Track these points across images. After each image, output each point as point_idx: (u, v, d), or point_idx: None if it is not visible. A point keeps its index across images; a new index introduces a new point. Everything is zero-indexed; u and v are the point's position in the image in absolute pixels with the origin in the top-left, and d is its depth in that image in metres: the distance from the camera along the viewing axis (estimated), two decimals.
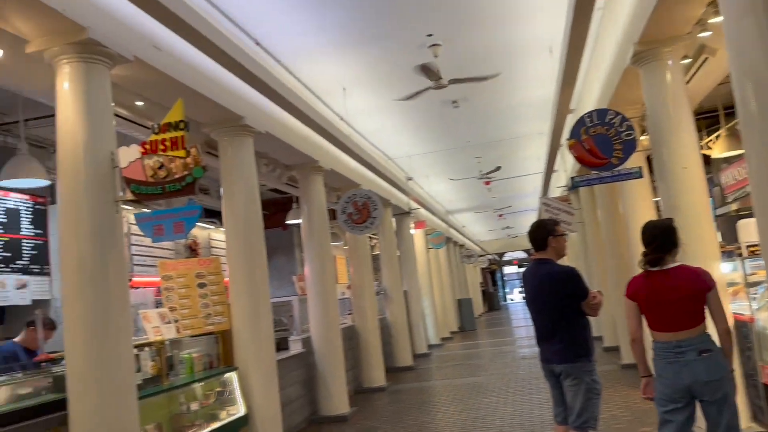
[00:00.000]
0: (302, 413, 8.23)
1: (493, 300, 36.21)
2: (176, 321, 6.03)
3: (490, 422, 7.18)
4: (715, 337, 3.52)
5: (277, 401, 6.53)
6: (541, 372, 4.43)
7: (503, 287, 46.36)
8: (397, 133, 11.37)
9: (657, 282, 3.57)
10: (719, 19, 5.45)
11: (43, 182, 6.25)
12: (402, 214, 14.82)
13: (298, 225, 10.22)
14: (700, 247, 5.25)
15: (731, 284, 5.80)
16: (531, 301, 4.40)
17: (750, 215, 6.31)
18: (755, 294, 5.36)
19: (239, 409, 6.17)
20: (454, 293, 22.83)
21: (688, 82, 6.48)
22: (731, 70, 3.32)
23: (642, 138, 6.99)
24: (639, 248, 3.72)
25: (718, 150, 8.57)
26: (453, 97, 9.45)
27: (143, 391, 4.92)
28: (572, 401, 4.10)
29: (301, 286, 9.48)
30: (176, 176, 4.45)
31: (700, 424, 3.61)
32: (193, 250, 10.28)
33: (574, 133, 6.17)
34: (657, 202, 7.40)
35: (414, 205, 15.29)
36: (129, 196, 4.53)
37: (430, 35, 7.27)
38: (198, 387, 5.92)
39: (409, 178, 14.78)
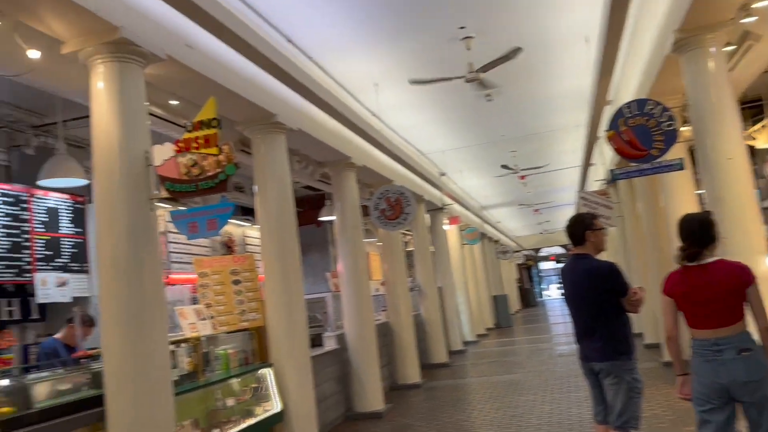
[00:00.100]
0: (337, 410, 8.24)
1: (529, 296, 35.81)
2: (212, 317, 6.08)
3: (527, 421, 7.07)
4: (756, 336, 3.38)
5: (311, 397, 6.53)
6: (579, 369, 4.32)
7: (540, 283, 45.79)
8: (430, 128, 11.28)
9: (694, 277, 3.46)
10: (764, 3, 5.25)
11: (81, 181, 6.39)
12: (435, 209, 14.72)
13: (331, 222, 10.22)
14: (745, 240, 5.08)
15: None
16: (569, 297, 4.29)
17: None
18: None
19: (274, 405, 6.19)
20: (489, 289, 22.62)
21: (731, 70, 6.25)
22: None
23: (683, 129, 6.78)
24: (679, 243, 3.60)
25: (763, 140, 8.27)
26: (486, 90, 9.30)
27: (180, 387, 4.96)
28: (613, 400, 3.99)
29: (335, 282, 9.49)
30: (209, 174, 4.47)
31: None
32: (228, 248, 10.37)
33: (613, 124, 6.01)
34: (700, 194, 7.18)
35: (447, 200, 15.17)
36: (163, 194, 4.57)
37: (462, 27, 7.16)
38: (234, 383, 5.96)
39: (443, 174, 14.67)
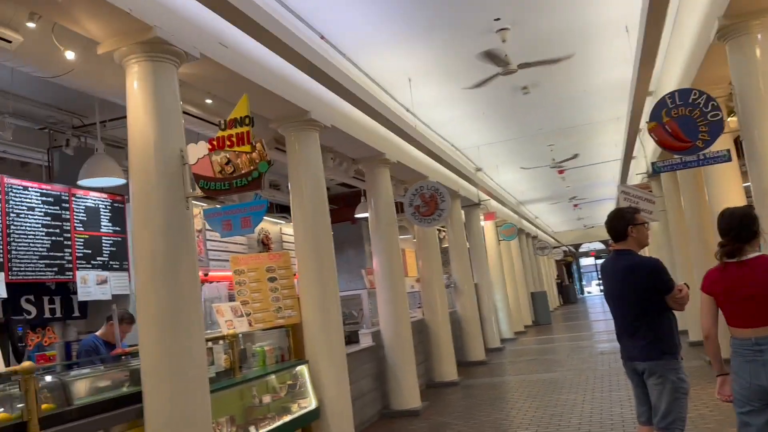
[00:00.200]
0: (374, 407, 8.21)
1: (569, 293, 35.26)
2: (248, 315, 6.11)
3: (567, 420, 6.92)
4: None
5: (347, 394, 6.51)
6: (621, 368, 4.19)
7: (580, 280, 45.06)
8: (465, 123, 11.14)
9: (734, 274, 3.33)
10: None
11: (120, 181, 6.49)
12: (471, 205, 14.57)
13: (366, 218, 10.19)
14: None
15: None
16: (610, 295, 4.15)
17: None
18: None
19: (311, 402, 6.19)
20: (527, 286, 22.33)
21: None
22: None
23: (729, 119, 6.53)
24: None
25: None
26: (523, 83, 9.15)
27: (216, 384, 4.99)
28: (657, 401, 3.85)
29: (370, 279, 9.46)
30: (243, 171, 4.46)
31: None
32: (265, 245, 10.45)
33: (655, 115, 5.82)
34: (746, 187, 6.91)
35: (483, 196, 15.00)
36: (198, 192, 4.58)
37: (497, 19, 7.03)
38: (270, 380, 5.97)
39: (478, 169, 14.51)
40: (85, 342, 5.95)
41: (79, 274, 6.82)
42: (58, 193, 6.85)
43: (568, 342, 15.82)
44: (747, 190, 6.68)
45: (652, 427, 3.92)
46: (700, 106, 5.68)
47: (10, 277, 6.02)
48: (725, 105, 6.49)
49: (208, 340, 5.28)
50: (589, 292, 44.57)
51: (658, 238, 13.19)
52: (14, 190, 6.32)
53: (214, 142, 4.54)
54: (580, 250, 42.06)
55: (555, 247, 32.14)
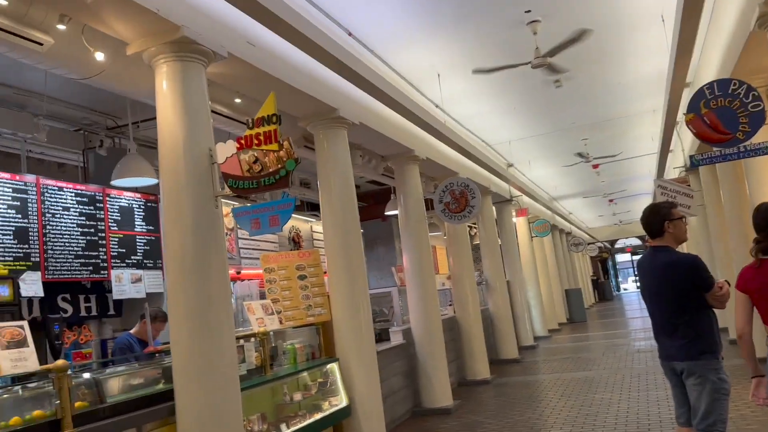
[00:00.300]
0: (405, 405, 8.17)
1: (604, 290, 34.68)
2: (279, 312, 6.13)
3: (602, 420, 6.78)
4: None
5: (378, 392, 6.48)
6: (659, 366, 4.06)
7: (615, 276, 44.30)
8: (496, 118, 11.00)
9: None
10: None
11: (152, 180, 6.57)
12: (503, 201, 14.41)
13: (397, 215, 10.14)
14: None
15: None
16: (648, 293, 4.02)
17: None
18: None
19: (341, 400, 6.18)
20: (561, 283, 22.01)
21: None
22: None
23: None
24: None
25: None
26: (555, 75, 8.97)
27: (247, 382, 5.01)
28: (696, 402, 3.71)
29: (401, 276, 9.41)
30: (270, 170, 4.45)
31: None
32: (296, 243, 10.49)
33: (693, 107, 5.64)
34: None
35: (515, 192, 14.82)
36: (227, 191, 4.59)
37: (528, 11, 6.90)
38: (301, 377, 5.98)
39: (510, 165, 14.33)
40: (120, 340, 6.05)
41: (114, 273, 6.94)
42: (93, 194, 6.97)
43: (603, 340, 15.54)
44: None
45: (691, 429, 3.79)
46: (740, 96, 5.49)
47: (46, 276, 6.15)
48: (766, 95, 6.26)
49: (239, 337, 5.31)
50: (625, 289, 43.77)
51: (697, 234, 12.85)
52: (50, 191, 6.45)
53: (242, 141, 4.54)
54: (616, 246, 41.33)
55: (590, 244, 31.67)
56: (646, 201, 21.31)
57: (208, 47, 4.52)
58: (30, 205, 6.18)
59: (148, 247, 7.45)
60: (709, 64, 7.87)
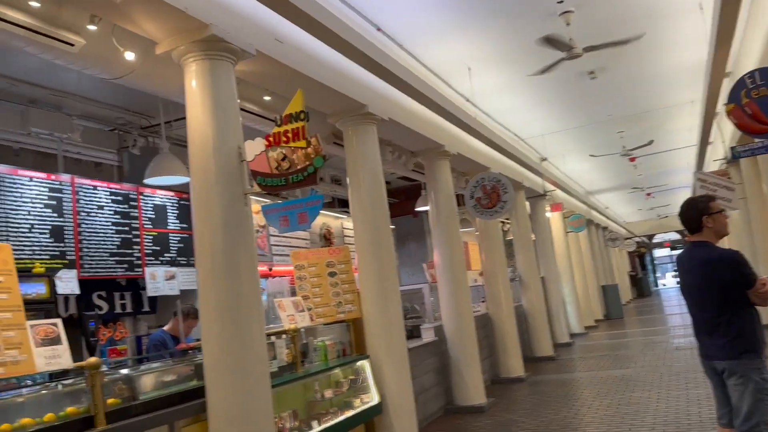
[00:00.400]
0: (437, 402, 8.11)
1: (642, 286, 33.97)
2: (309, 309, 6.13)
3: (640, 419, 6.61)
4: None
5: (410, 390, 6.43)
6: (699, 364, 3.92)
7: (654, 272, 43.38)
8: (529, 111, 10.83)
9: None
10: None
11: (184, 179, 6.63)
12: (537, 196, 14.20)
13: (428, 211, 10.07)
14: None
15: None
16: (687, 290, 3.89)
17: None
18: None
19: (373, 398, 6.15)
20: (597, 279, 21.61)
21: None
22: None
23: None
24: None
25: None
26: (589, 67, 8.78)
27: (278, 379, 5.01)
28: (738, 402, 3.58)
29: (432, 273, 9.34)
30: (298, 167, 4.44)
31: None
32: (327, 240, 10.51)
33: (733, 97, 5.44)
34: None
35: (549, 186, 14.58)
36: (256, 188, 4.60)
37: (560, 2, 6.75)
38: (332, 375, 5.97)
39: (544, 159, 14.10)
40: (154, 337, 6.12)
41: (148, 270, 7.04)
42: (127, 192, 7.08)
43: (641, 337, 15.21)
44: None
45: (733, 430, 3.65)
46: None
47: (82, 273, 6.26)
48: None
49: (270, 334, 5.32)
50: (663, 285, 42.83)
51: (738, 228, 12.45)
52: (84, 190, 6.56)
53: (271, 139, 4.54)
54: (654, 240, 40.45)
55: (627, 238, 31.05)
56: (686, 194, 20.68)
57: (237, 45, 4.52)
58: (65, 204, 6.30)
59: (181, 245, 7.53)
60: (749, 53, 7.59)
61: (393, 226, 12.81)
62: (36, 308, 5.07)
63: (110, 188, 6.89)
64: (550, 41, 7.15)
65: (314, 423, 5.36)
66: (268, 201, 7.72)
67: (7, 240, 5.60)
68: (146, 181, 6.67)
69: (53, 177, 6.28)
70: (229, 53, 4.53)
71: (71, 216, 6.32)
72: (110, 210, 6.80)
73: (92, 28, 4.25)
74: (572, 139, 13.27)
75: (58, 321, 3.74)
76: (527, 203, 13.52)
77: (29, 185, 5.99)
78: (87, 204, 6.55)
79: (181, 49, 4.43)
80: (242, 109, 5.89)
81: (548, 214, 15.43)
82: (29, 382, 3.73)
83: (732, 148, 6.77)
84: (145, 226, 7.17)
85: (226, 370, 4.23)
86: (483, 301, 10.90)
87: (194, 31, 4.32)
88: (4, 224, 5.65)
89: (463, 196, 9.30)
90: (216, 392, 4.24)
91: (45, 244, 5.99)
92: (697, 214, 3.73)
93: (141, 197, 7.22)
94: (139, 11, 4.09)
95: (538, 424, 7.00)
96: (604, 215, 25.62)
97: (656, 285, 41.95)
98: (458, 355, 8.36)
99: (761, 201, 9.88)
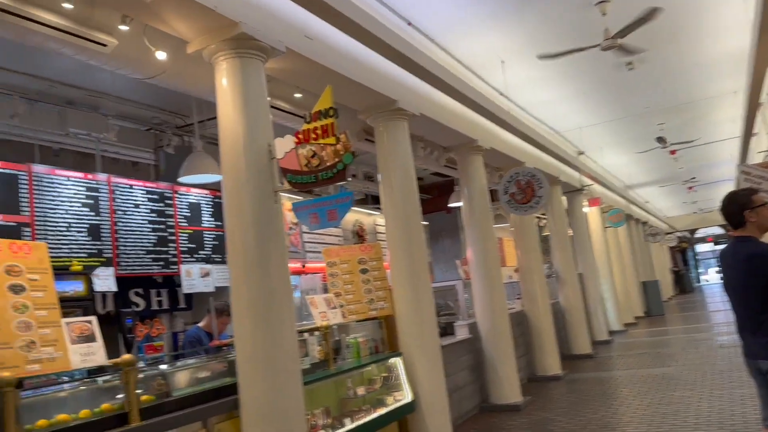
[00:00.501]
0: (472, 400, 8.02)
1: (684, 281, 33.14)
2: (341, 306, 6.12)
3: (682, 419, 6.42)
4: None
5: (443, 387, 6.37)
6: (743, 363, 3.77)
7: (696, 267, 42.29)
8: (565, 104, 10.62)
9: None
10: None
11: (218, 177, 6.67)
12: (573, 191, 13.93)
13: (461, 207, 9.97)
14: None
15: None
16: (731, 286, 3.73)
17: None
18: None
19: (406, 395, 6.11)
20: (637, 275, 21.14)
21: None
22: None
23: None
24: None
25: None
26: (627, 57, 8.54)
27: (311, 376, 5.01)
28: None
29: (465, 270, 9.24)
30: (328, 164, 4.42)
31: None
32: (360, 236, 10.50)
33: None
34: None
35: (587, 181, 14.30)
36: (286, 186, 4.60)
37: None
38: (364, 372, 5.94)
39: (581, 152, 13.83)
40: (189, 333, 6.19)
41: (184, 268, 7.13)
42: (162, 191, 7.18)
43: (683, 334, 14.82)
44: None
45: None
46: None
47: (119, 271, 6.37)
48: None
49: (302, 331, 5.33)
50: (706, 281, 41.73)
51: None
52: (120, 189, 6.68)
53: (300, 136, 4.53)
54: (696, 235, 39.39)
55: (668, 233, 30.32)
56: (729, 188, 20.11)
57: (266, 43, 4.52)
58: (102, 202, 6.41)
59: (216, 242, 7.61)
60: None
61: (426, 223, 12.78)
62: (74, 305, 5.19)
63: (146, 187, 7.00)
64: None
65: (347, 420, 5.34)
66: (301, 198, 7.74)
67: (46, 239, 5.73)
68: (180, 179, 6.75)
69: (90, 176, 6.40)
70: (259, 51, 4.54)
71: (108, 214, 6.44)
72: (146, 208, 6.91)
73: (124, 28, 4.30)
74: (610, 132, 12.99)
75: (93, 318, 3.80)
76: (564, 198, 13.29)
77: (66, 185, 6.12)
78: (123, 203, 6.66)
79: (211, 47, 4.45)
80: (273, 107, 5.92)
81: (586, 209, 15.14)
82: (65, 379, 3.79)
83: None
84: (181, 224, 7.27)
85: (258, 367, 4.24)
86: (518, 298, 10.75)
87: (224, 30, 4.34)
88: (42, 223, 5.78)
89: (496, 192, 9.17)
90: (248, 389, 4.26)
91: (82, 242, 6.12)
92: (739, 208, 3.58)
93: (176, 195, 7.31)
94: (169, 10, 4.11)
95: (576, 423, 6.87)
96: (643, 210, 25.05)
97: (698, 281, 40.90)
98: (493, 353, 8.25)
99: None
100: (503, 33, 7.44)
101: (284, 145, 4.62)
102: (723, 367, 9.21)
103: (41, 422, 3.26)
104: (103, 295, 6.23)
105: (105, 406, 3.59)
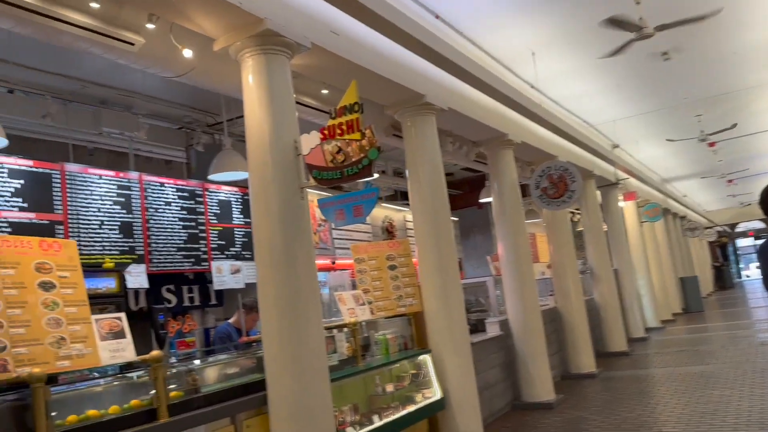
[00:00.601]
0: (504, 398, 7.92)
1: (724, 277, 32.27)
2: (370, 303, 6.09)
3: (721, 418, 6.24)
4: None
5: (473, 385, 6.30)
6: None
7: (737, 262, 41.15)
8: (598, 96, 10.39)
9: None
10: None
11: (246, 174, 6.71)
12: (608, 185, 13.66)
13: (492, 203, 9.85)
14: None
15: None
16: None
17: None
18: None
19: (435, 393, 6.06)
20: (675, 271, 20.64)
21: None
22: None
23: None
24: None
25: None
26: (663, 48, 8.31)
27: (338, 372, 4.99)
28: None
29: (496, 266, 9.12)
30: (353, 159, 4.38)
31: None
32: (389, 233, 10.46)
33: None
34: None
35: (622, 174, 13.99)
36: (312, 182, 4.57)
37: None
38: (393, 369, 5.91)
39: (615, 146, 13.54)
40: (219, 329, 6.24)
41: (214, 264, 7.19)
42: (193, 188, 7.25)
43: (723, 331, 14.43)
44: None
45: None
46: None
47: (150, 268, 6.45)
48: None
49: (330, 328, 5.31)
50: (747, 276, 40.58)
51: None
52: (152, 187, 6.75)
53: (326, 131, 4.50)
54: (737, 230, 38.32)
55: (707, 228, 29.55)
56: None
57: (292, 39, 4.50)
58: (134, 200, 6.50)
59: (246, 239, 7.66)
60: None
61: (456, 219, 12.70)
62: (106, 302, 5.26)
63: (177, 185, 7.07)
64: (615, 22, 6.78)
65: (375, 417, 5.31)
66: (329, 194, 7.73)
67: (78, 237, 5.84)
68: (210, 177, 6.81)
69: (122, 175, 6.49)
70: (285, 47, 4.52)
71: (140, 212, 6.52)
72: (177, 206, 6.98)
73: (150, 26, 4.32)
74: (646, 125, 12.68)
75: (122, 315, 3.84)
76: (598, 192, 13.03)
77: (99, 183, 6.21)
78: (155, 200, 6.74)
79: (237, 44, 4.45)
80: (301, 104, 5.90)
81: (621, 204, 14.83)
82: (96, 375, 3.84)
83: None
84: (211, 221, 7.33)
85: (284, 365, 4.24)
86: (551, 295, 10.58)
87: (249, 26, 4.33)
88: (75, 221, 5.88)
89: (528, 186, 9.02)
90: (275, 387, 4.26)
91: (114, 239, 6.21)
92: None
93: (206, 193, 7.37)
94: (194, 8, 4.13)
95: (610, 422, 6.72)
96: (681, 204, 24.45)
97: (739, 276, 39.80)
98: (525, 350, 8.14)
99: None
100: (534, 24, 7.29)
101: (310, 141, 4.59)
102: (764, 365, 8.95)
103: (71, 418, 3.30)
104: (136, 291, 6.32)
105: (134, 402, 3.62)
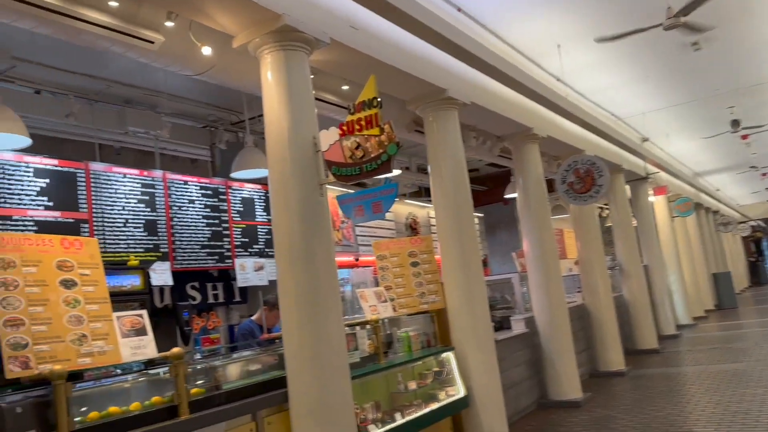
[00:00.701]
0: (530, 396, 7.81)
1: (759, 273, 31.48)
2: (392, 300, 6.05)
3: (754, 417, 6.07)
4: None
5: (497, 383, 6.21)
6: None
7: None
8: (626, 89, 10.18)
9: None
10: None
11: (267, 172, 6.72)
12: (638, 179, 13.39)
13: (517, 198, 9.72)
14: None
15: None
16: None
17: None
18: None
19: (458, 390, 6.00)
20: (708, 266, 20.18)
21: None
22: None
23: None
24: None
25: None
26: (693, 38, 8.08)
27: (360, 370, 4.97)
28: None
29: (521, 262, 9.00)
30: (372, 155, 4.34)
31: None
32: (413, 229, 10.40)
33: None
34: None
35: (652, 168, 13.70)
36: (331, 179, 4.54)
37: None
38: (415, 366, 5.86)
39: (645, 139, 13.27)
40: (242, 326, 6.27)
41: (238, 262, 7.22)
42: (216, 186, 7.28)
43: (757, 328, 14.05)
44: None
45: None
46: None
47: (174, 265, 6.50)
48: None
49: (351, 325, 5.29)
50: None
51: None
52: (176, 185, 6.80)
53: (344, 127, 4.46)
54: None
55: (741, 223, 28.85)
56: None
57: (310, 34, 4.47)
58: (158, 199, 6.55)
59: (268, 236, 7.67)
60: None
61: (481, 215, 12.58)
62: (131, 299, 5.31)
63: (200, 183, 7.11)
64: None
65: (397, 415, 5.27)
66: (351, 191, 7.71)
67: (103, 234, 5.90)
68: (232, 174, 6.84)
69: (146, 173, 6.55)
70: (303, 43, 4.49)
71: (164, 210, 6.58)
72: (201, 204, 7.03)
73: (170, 24, 4.34)
74: (676, 117, 12.39)
75: (144, 312, 3.86)
76: (627, 187, 12.79)
77: (123, 181, 6.28)
78: (178, 198, 6.79)
79: (256, 41, 4.44)
80: (321, 100, 5.88)
81: (651, 198, 14.54)
82: (118, 372, 3.87)
83: None
84: (234, 218, 7.36)
85: (304, 363, 4.22)
86: (579, 291, 10.42)
87: (268, 22, 4.32)
88: (100, 219, 5.94)
89: (554, 181, 8.87)
90: (296, 384, 4.25)
91: (139, 237, 6.27)
92: None
93: (230, 191, 7.41)
94: (213, 5, 4.13)
95: (639, 420, 6.58)
96: (714, 198, 23.89)
97: None
98: (551, 348, 8.02)
99: None
100: (559, 16, 7.16)
101: (329, 137, 4.56)
102: None
103: (93, 414, 3.32)
104: (161, 289, 6.37)
105: (155, 398, 3.64)
